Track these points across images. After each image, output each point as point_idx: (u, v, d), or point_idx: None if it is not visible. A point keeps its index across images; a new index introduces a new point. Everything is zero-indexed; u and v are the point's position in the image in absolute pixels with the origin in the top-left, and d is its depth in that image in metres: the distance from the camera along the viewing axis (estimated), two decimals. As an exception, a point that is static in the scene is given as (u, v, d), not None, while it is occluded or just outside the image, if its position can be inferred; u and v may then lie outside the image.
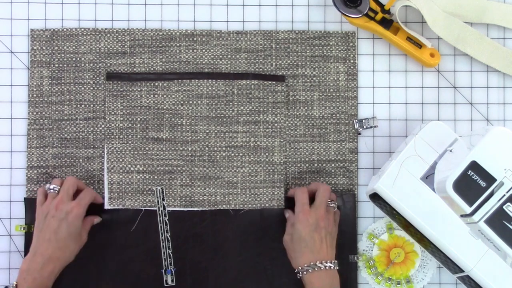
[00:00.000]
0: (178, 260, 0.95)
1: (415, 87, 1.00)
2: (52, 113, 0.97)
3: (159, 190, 0.95)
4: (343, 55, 0.99)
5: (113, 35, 0.98)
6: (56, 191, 0.91)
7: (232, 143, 0.97)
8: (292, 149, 0.98)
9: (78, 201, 0.89)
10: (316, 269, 0.87)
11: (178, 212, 0.96)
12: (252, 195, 0.97)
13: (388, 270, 0.96)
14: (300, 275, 0.88)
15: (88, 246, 0.92)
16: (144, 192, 0.97)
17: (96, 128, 0.97)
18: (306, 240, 0.88)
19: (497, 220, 0.73)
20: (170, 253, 0.94)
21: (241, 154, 0.97)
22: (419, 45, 0.96)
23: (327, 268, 0.87)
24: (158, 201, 0.95)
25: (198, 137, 0.97)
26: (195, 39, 0.99)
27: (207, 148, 0.97)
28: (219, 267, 0.96)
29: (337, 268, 0.88)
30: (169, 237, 0.95)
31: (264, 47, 0.99)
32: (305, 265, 0.87)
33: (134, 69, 0.98)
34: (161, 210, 0.95)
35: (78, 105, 0.97)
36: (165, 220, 0.94)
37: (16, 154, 0.98)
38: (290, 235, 0.90)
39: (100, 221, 0.94)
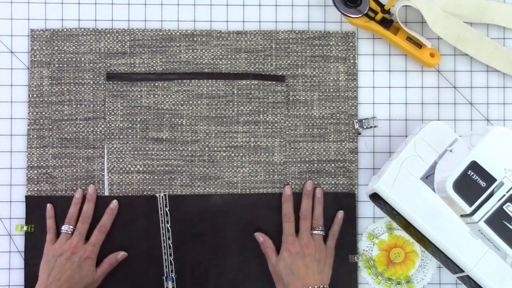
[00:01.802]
0: (178, 260, 0.95)
1: (415, 87, 1.00)
2: (52, 113, 0.97)
3: (162, 196, 0.95)
4: (343, 55, 0.99)
5: (113, 35, 0.98)
6: (70, 233, 0.92)
7: (232, 143, 0.97)
8: (292, 149, 0.98)
9: (92, 247, 0.91)
10: None
11: (178, 213, 0.96)
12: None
13: (388, 270, 0.96)
14: None
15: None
16: (145, 193, 0.97)
17: (96, 128, 0.97)
18: (291, 269, 0.89)
19: (497, 220, 0.73)
20: (172, 260, 0.94)
21: (241, 154, 0.97)
22: (419, 45, 0.96)
23: None
24: (161, 207, 0.95)
25: (198, 137, 0.97)
26: (195, 39, 0.99)
27: (207, 148, 0.97)
28: (219, 267, 0.96)
29: None
30: (171, 244, 0.95)
31: (264, 47, 0.99)
32: None
33: (134, 69, 0.98)
34: (164, 217, 0.95)
35: (78, 105, 0.98)
36: (167, 227, 0.94)
37: (16, 154, 0.98)
38: (276, 262, 0.92)
39: (124, 256, 0.94)
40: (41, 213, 0.95)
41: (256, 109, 0.98)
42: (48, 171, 0.97)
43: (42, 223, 0.95)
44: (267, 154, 0.97)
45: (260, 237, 0.95)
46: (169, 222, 0.95)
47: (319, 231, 0.93)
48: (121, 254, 0.94)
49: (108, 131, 0.97)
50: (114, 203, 0.95)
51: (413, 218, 0.88)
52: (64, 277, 0.88)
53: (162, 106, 0.97)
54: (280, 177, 0.97)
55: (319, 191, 0.96)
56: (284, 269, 0.90)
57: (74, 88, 0.98)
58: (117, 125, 0.97)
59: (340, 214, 0.96)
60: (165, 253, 0.95)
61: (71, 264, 0.89)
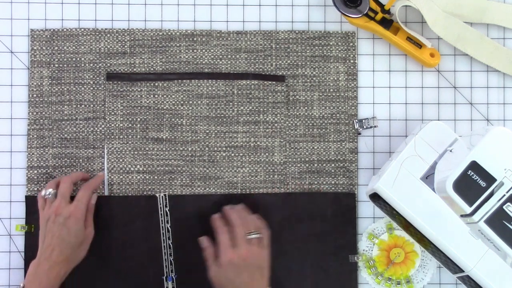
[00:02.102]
0: (178, 260, 0.95)
1: (415, 87, 1.00)
2: (52, 113, 0.97)
3: (162, 196, 0.95)
4: (343, 55, 0.99)
5: (113, 35, 0.98)
6: (52, 195, 0.91)
7: (232, 143, 0.97)
8: (292, 149, 0.98)
9: (76, 204, 0.89)
10: None
11: (178, 213, 0.96)
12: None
13: (388, 270, 0.96)
14: None
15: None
16: (144, 193, 0.97)
17: (96, 128, 0.97)
18: (234, 282, 0.85)
19: (497, 220, 0.73)
20: (172, 260, 0.95)
21: (241, 154, 0.97)
22: (419, 45, 0.96)
23: None
24: (161, 207, 0.95)
25: (198, 137, 0.97)
26: (195, 39, 0.99)
27: (207, 148, 0.97)
28: (219, 267, 0.96)
29: None
30: (171, 244, 0.95)
31: (264, 47, 0.99)
32: None
33: (134, 69, 0.98)
34: (164, 217, 0.95)
35: (78, 105, 0.98)
36: (167, 227, 0.94)
37: (16, 154, 0.98)
38: (217, 274, 0.87)
39: (96, 198, 0.94)
40: (41, 213, 0.95)
41: (256, 109, 0.98)
42: (48, 171, 0.97)
43: (42, 223, 0.95)
44: (267, 154, 0.97)
45: (204, 241, 0.91)
46: (169, 222, 0.95)
47: (255, 235, 0.88)
48: (94, 196, 0.93)
49: (108, 131, 0.97)
50: (102, 172, 0.96)
51: (413, 218, 0.88)
52: (54, 240, 0.87)
53: (162, 106, 0.97)
54: (280, 177, 0.97)
55: (238, 206, 0.93)
56: (226, 283, 0.86)
57: (74, 88, 0.98)
58: (117, 125, 0.97)
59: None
60: (165, 253, 0.95)
61: (58, 226, 0.87)
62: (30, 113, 0.97)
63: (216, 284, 0.87)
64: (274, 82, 0.98)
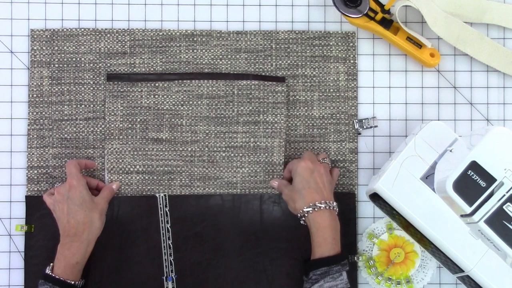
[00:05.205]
0: (178, 260, 0.95)
1: (415, 87, 1.00)
2: (52, 113, 0.97)
3: (162, 196, 0.95)
4: (343, 55, 0.99)
5: (113, 35, 0.98)
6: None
7: (232, 143, 0.97)
8: (292, 149, 0.98)
9: (68, 177, 0.91)
10: (321, 208, 0.88)
11: (178, 213, 0.96)
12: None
13: (388, 270, 0.96)
14: (306, 216, 0.89)
15: None
16: (144, 193, 0.97)
17: (96, 129, 0.97)
18: (308, 181, 0.90)
19: (497, 220, 0.73)
20: (172, 260, 0.95)
21: (240, 155, 0.97)
22: (419, 45, 0.96)
23: (330, 208, 0.89)
24: (160, 208, 0.95)
25: (198, 138, 0.97)
26: (195, 39, 0.99)
27: (206, 149, 0.97)
28: (219, 267, 0.96)
29: (337, 211, 0.90)
30: (171, 244, 0.95)
31: (264, 47, 0.99)
32: (310, 204, 0.88)
33: (134, 70, 0.98)
34: (164, 217, 0.95)
35: (78, 105, 0.98)
36: (167, 227, 0.94)
37: (16, 154, 0.98)
38: (288, 185, 0.93)
39: (119, 186, 0.96)
40: (41, 213, 0.95)
41: (256, 110, 0.97)
42: (48, 171, 0.97)
43: (42, 223, 0.95)
44: (266, 154, 0.97)
45: (274, 183, 0.96)
46: (169, 222, 0.95)
47: (325, 161, 0.95)
48: (116, 184, 0.96)
49: (108, 131, 0.97)
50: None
51: (413, 218, 0.88)
52: (66, 215, 0.89)
53: (162, 106, 0.97)
54: (279, 178, 0.97)
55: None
56: (301, 183, 0.90)
57: (74, 88, 0.98)
58: (117, 125, 0.97)
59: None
60: (165, 253, 0.95)
61: (63, 202, 0.89)
62: (30, 113, 0.97)
63: (287, 192, 0.92)
64: (274, 83, 0.98)
